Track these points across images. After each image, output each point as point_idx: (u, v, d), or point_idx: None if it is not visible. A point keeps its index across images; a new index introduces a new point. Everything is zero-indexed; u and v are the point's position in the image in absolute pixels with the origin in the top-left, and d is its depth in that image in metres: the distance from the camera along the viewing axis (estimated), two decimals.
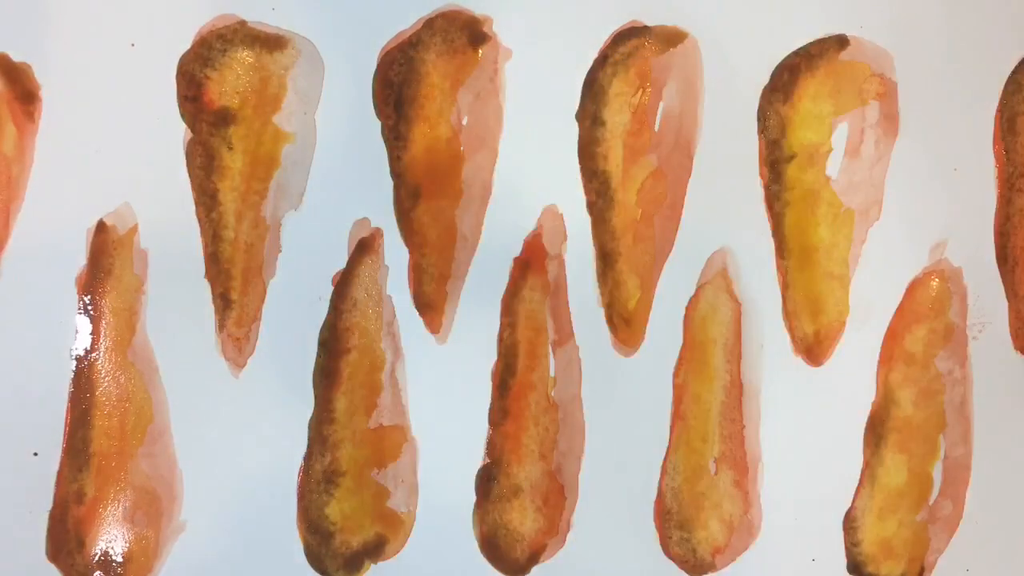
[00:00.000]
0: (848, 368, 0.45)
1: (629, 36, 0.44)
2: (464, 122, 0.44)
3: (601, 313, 0.44)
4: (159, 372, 0.43)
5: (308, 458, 0.43)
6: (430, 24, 0.43)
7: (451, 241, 0.44)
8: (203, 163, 0.43)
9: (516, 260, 0.44)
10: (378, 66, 0.43)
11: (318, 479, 0.43)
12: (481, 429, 0.44)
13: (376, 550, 0.44)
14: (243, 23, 0.43)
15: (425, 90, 0.44)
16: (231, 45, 0.43)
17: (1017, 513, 0.46)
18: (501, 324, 0.44)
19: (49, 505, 0.42)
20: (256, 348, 0.43)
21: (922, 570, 0.45)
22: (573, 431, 0.44)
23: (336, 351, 0.43)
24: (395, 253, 0.44)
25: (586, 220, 0.44)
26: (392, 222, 0.44)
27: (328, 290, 0.43)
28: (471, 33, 0.44)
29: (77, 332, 0.43)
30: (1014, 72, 0.45)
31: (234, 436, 0.43)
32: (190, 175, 0.43)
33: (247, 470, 0.43)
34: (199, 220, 0.43)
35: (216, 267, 0.43)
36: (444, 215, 0.44)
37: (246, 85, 0.43)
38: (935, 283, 0.45)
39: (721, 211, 0.45)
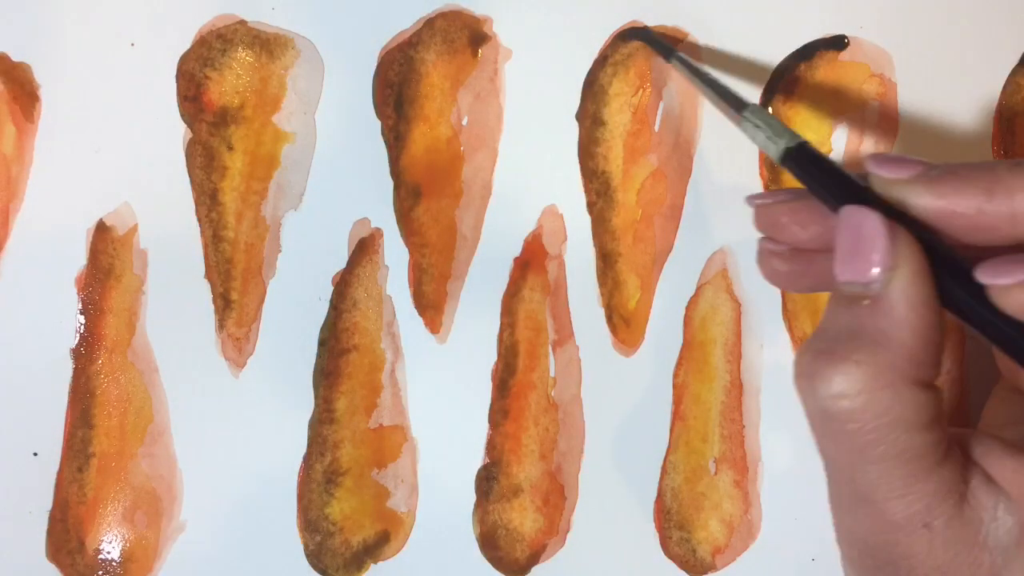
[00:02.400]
0: None
1: (629, 36, 0.44)
2: (464, 122, 0.44)
3: (601, 313, 0.44)
4: (159, 372, 0.43)
5: (308, 458, 0.43)
6: (430, 24, 0.43)
7: (451, 241, 0.44)
8: (203, 163, 0.43)
9: (516, 260, 0.44)
10: (378, 66, 0.43)
11: (318, 479, 0.43)
12: (481, 429, 0.44)
13: (376, 550, 0.44)
14: (243, 23, 0.43)
15: (425, 90, 0.44)
16: (231, 45, 0.43)
17: None
18: (501, 324, 0.44)
19: (49, 505, 0.42)
20: (256, 348, 0.43)
21: None
22: (573, 431, 0.44)
23: (336, 351, 0.43)
24: (395, 253, 0.44)
25: (586, 220, 0.44)
26: (392, 222, 0.44)
27: (328, 290, 0.43)
28: (471, 33, 0.44)
29: (77, 332, 0.43)
30: (1014, 72, 0.45)
31: (234, 436, 0.43)
32: (190, 175, 0.43)
33: (247, 470, 0.43)
34: (199, 220, 0.43)
35: (216, 267, 0.43)
36: (444, 215, 0.44)
37: (246, 85, 0.43)
38: None
39: (721, 211, 0.44)
